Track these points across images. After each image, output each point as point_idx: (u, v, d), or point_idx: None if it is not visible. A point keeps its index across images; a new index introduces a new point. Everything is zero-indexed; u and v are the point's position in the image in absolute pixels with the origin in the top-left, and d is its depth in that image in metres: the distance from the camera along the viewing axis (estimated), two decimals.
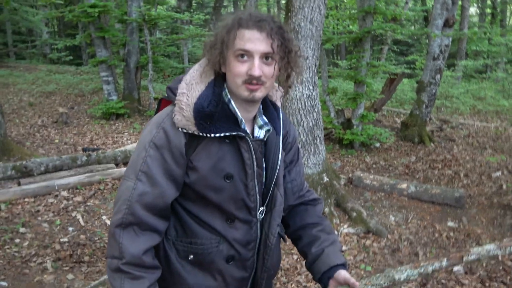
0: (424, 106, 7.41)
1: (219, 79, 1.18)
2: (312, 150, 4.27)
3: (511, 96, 12.65)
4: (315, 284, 2.95)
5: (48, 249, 3.36)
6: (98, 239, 3.59)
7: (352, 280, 1.18)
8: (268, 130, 1.23)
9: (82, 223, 3.89)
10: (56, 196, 4.40)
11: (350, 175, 5.28)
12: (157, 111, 1.26)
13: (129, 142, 7.10)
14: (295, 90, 4.06)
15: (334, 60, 18.25)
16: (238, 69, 1.11)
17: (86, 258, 3.26)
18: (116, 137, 7.51)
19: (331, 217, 4.02)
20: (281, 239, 1.41)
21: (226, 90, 1.18)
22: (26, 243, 3.44)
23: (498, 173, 5.40)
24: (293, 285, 2.96)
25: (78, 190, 4.60)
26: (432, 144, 7.18)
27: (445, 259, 1.13)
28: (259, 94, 1.14)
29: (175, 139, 1.12)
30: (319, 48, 4.20)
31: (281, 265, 2.55)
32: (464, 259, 1.13)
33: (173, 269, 1.22)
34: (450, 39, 7.35)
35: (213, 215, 1.21)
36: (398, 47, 17.92)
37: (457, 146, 7.09)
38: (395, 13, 7.18)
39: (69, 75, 13.79)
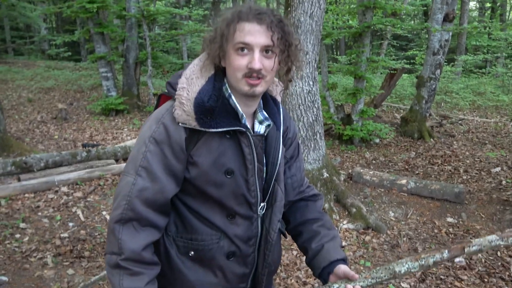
0: (424, 101, 7.40)
1: (220, 74, 1.17)
2: (312, 145, 4.27)
3: (510, 91, 12.65)
4: (314, 279, 2.95)
5: (48, 244, 3.37)
6: (98, 234, 3.60)
7: (352, 273, 1.17)
8: (269, 125, 1.22)
9: (82, 218, 3.90)
10: (56, 191, 4.41)
11: (350, 170, 5.28)
12: (157, 106, 1.25)
13: (128, 138, 7.10)
14: (295, 86, 4.05)
15: (333, 55, 18.19)
16: (238, 62, 1.10)
17: (86, 253, 3.27)
18: (116, 133, 7.51)
19: (330, 212, 4.02)
20: (281, 235, 1.40)
21: (227, 85, 1.17)
22: (26, 238, 3.45)
23: (498, 169, 5.41)
24: (292, 280, 2.96)
25: (78, 186, 4.60)
26: (431, 139, 7.19)
27: (446, 251, 1.12)
28: (260, 89, 1.13)
29: (175, 134, 1.12)
30: (319, 43, 4.18)
31: (280, 260, 2.55)
32: (466, 250, 1.13)
33: (174, 265, 1.22)
34: (450, 33, 7.33)
35: (214, 210, 1.20)
36: (398, 42, 17.88)
37: (457, 142, 7.09)
38: (395, 7, 7.14)
39: (67, 71, 13.76)
